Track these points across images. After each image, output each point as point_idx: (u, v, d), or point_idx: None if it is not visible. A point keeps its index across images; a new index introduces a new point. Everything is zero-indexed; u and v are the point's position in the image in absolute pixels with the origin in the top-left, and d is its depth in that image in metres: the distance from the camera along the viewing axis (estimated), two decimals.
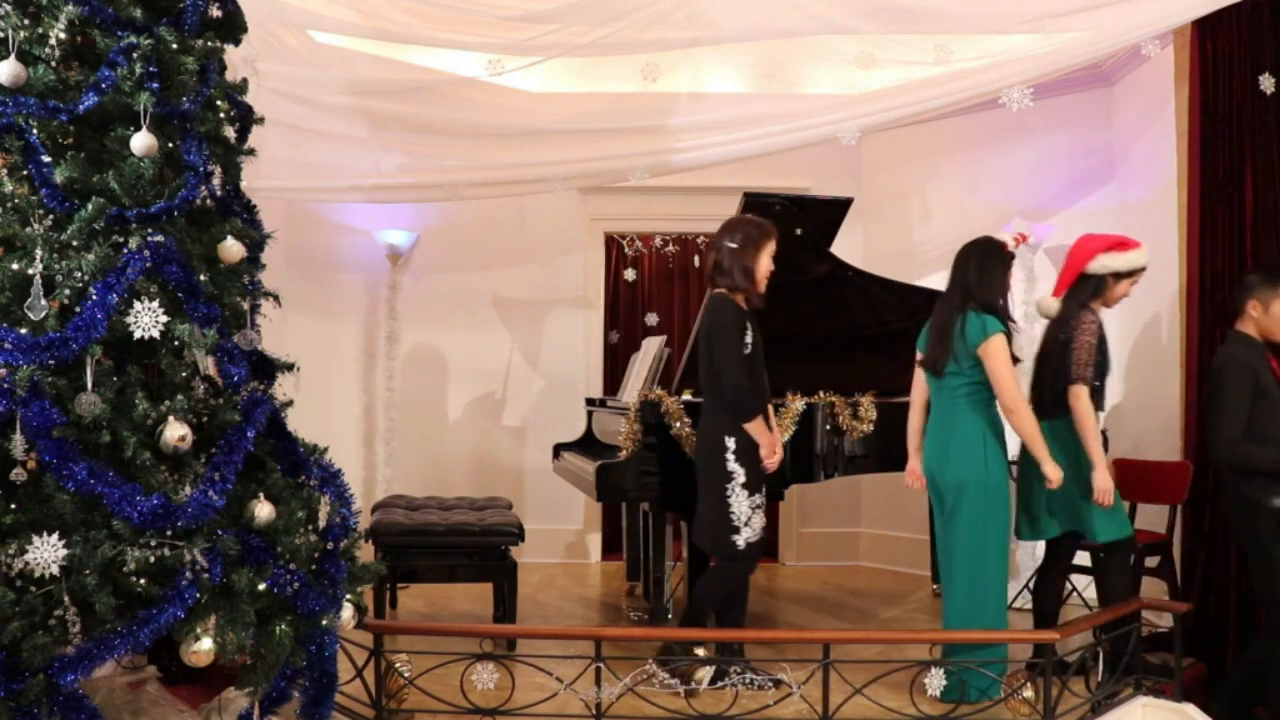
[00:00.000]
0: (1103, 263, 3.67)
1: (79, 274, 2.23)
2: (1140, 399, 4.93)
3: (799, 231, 4.51)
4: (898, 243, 6.19)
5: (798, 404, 4.07)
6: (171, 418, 2.24)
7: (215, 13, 2.64)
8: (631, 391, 4.74)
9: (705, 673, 3.57)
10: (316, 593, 2.37)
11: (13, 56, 2.29)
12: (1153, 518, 4.39)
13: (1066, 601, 4.47)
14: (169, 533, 2.15)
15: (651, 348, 4.87)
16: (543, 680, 3.22)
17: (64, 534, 2.08)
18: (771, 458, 3.57)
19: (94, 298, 2.20)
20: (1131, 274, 3.72)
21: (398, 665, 3.18)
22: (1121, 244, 3.70)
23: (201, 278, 2.39)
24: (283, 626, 2.30)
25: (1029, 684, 3.27)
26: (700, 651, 3.90)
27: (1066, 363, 3.57)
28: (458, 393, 6.35)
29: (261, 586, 2.27)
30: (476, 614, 4.81)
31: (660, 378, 4.64)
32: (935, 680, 3.19)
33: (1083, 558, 4.29)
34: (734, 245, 3.53)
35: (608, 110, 5.09)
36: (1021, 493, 3.79)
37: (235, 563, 2.24)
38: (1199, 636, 3.91)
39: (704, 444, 3.60)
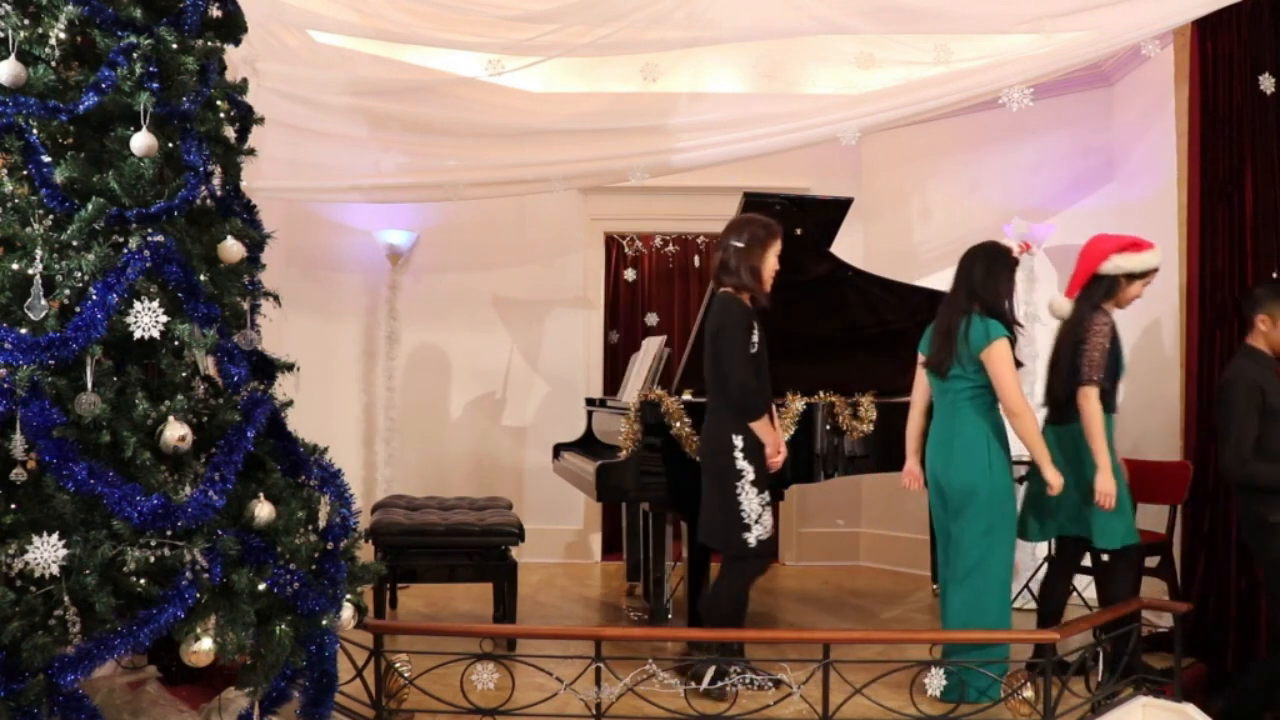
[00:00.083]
0: (1115, 263, 3.65)
1: (79, 274, 2.23)
2: (1140, 399, 4.93)
3: (799, 231, 4.51)
4: (898, 243, 6.19)
5: (798, 404, 4.07)
6: (171, 418, 2.24)
7: (215, 13, 2.64)
8: (631, 391, 4.74)
9: (705, 672, 3.57)
10: (316, 593, 2.37)
11: (13, 56, 2.29)
12: (1153, 518, 4.39)
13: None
14: (169, 533, 2.15)
15: (651, 348, 4.87)
16: (543, 680, 3.22)
17: (64, 534, 2.08)
18: (776, 456, 3.58)
19: (94, 298, 2.20)
20: (1144, 275, 3.69)
21: (398, 665, 3.18)
22: (1134, 244, 3.68)
23: (201, 278, 2.39)
24: (283, 626, 2.30)
25: (1029, 684, 3.27)
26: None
27: (1078, 364, 3.56)
28: (458, 393, 6.35)
29: (261, 586, 2.27)
30: (476, 614, 4.81)
31: (660, 378, 4.64)
32: (935, 680, 3.19)
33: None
34: (741, 244, 3.54)
35: (608, 110, 5.09)
36: (1029, 493, 3.79)
37: (235, 563, 2.24)
38: (1199, 636, 3.91)
39: (710, 443, 3.60)
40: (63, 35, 2.35)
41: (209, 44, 2.59)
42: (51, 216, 2.28)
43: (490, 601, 4.60)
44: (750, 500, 3.49)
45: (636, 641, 4.09)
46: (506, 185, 5.08)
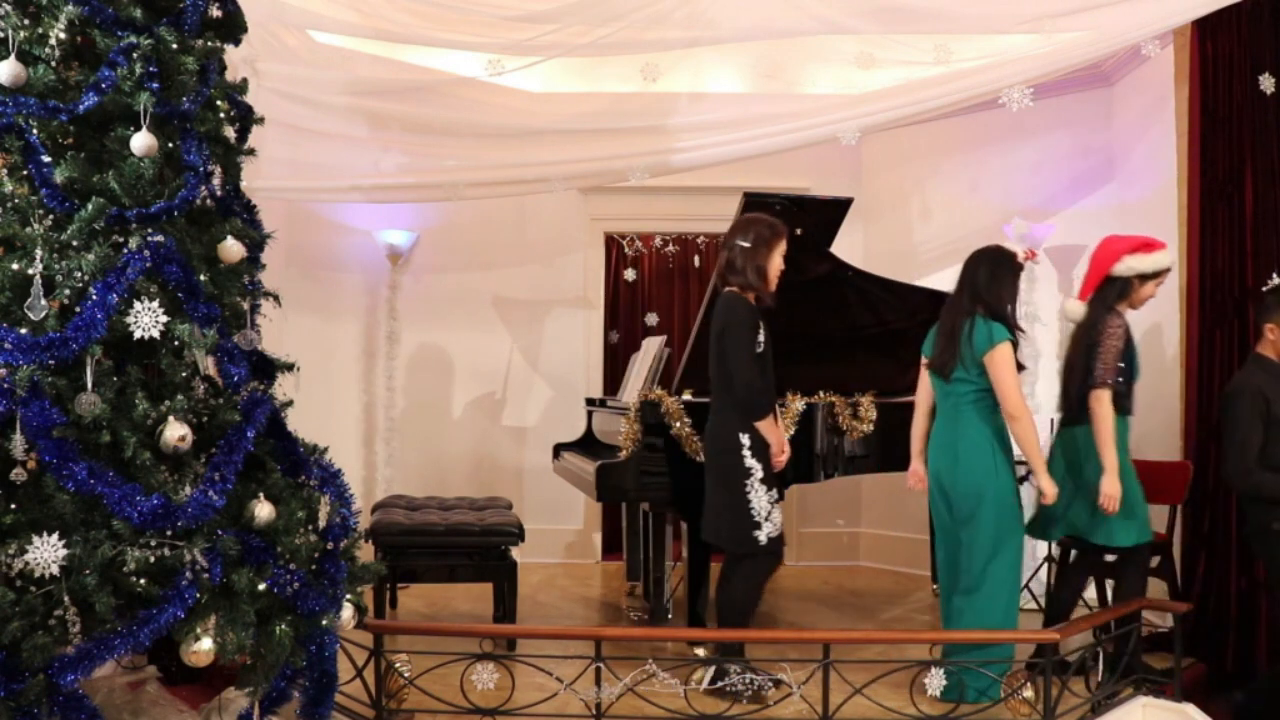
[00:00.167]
0: (1128, 264, 3.64)
1: (79, 274, 2.23)
2: (1140, 399, 4.89)
3: (799, 231, 4.50)
4: (898, 243, 6.19)
5: (798, 404, 4.08)
6: (171, 418, 2.24)
7: (215, 13, 2.64)
8: (631, 391, 4.74)
9: (705, 673, 3.57)
10: (316, 593, 2.37)
11: (13, 56, 2.29)
12: (1153, 518, 4.38)
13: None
14: (169, 533, 2.15)
15: (651, 348, 4.87)
16: (543, 680, 3.22)
17: (64, 534, 2.08)
18: (781, 456, 3.59)
19: (94, 298, 2.20)
20: (1157, 275, 3.67)
21: (398, 665, 3.18)
22: (1146, 245, 3.66)
23: (201, 278, 2.39)
24: (283, 626, 2.30)
25: (1029, 684, 3.27)
26: (700, 652, 3.92)
27: (1092, 366, 3.55)
28: (458, 393, 6.35)
29: (261, 586, 2.27)
30: (476, 614, 4.81)
31: (660, 378, 4.64)
32: (935, 680, 3.19)
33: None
34: (747, 244, 3.55)
35: (608, 110, 5.09)
36: (1065, 493, 3.79)
37: (235, 563, 2.24)
38: (1199, 636, 3.91)
39: (716, 442, 3.60)
40: (63, 35, 2.35)
41: (209, 44, 2.59)
42: (51, 216, 2.28)
43: (490, 601, 4.60)
44: (760, 498, 3.49)
45: (636, 641, 4.09)
46: (506, 185, 5.08)
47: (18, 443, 2.10)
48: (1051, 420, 4.86)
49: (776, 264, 3.60)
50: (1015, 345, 3.49)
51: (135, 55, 2.33)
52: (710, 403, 3.68)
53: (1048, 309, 5.57)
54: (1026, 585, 4.86)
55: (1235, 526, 3.88)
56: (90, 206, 2.25)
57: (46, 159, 2.30)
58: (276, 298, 2.74)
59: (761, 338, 3.50)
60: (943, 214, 6.06)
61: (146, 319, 2.24)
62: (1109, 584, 4.17)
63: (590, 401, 5.66)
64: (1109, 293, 3.66)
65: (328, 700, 2.52)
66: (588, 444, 5.29)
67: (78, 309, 2.20)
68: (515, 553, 4.30)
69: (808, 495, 6.32)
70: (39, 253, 2.23)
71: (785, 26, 4.20)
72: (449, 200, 5.18)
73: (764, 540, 3.49)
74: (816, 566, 6.25)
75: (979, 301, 3.54)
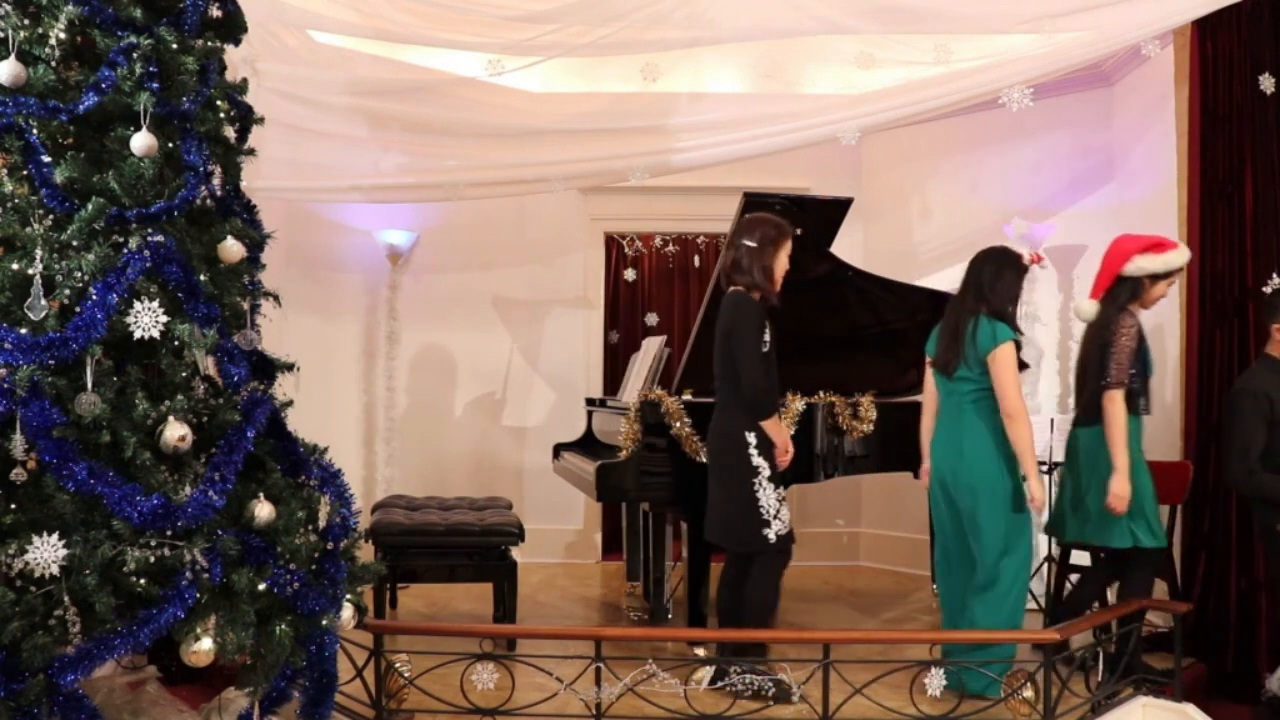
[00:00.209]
0: (1139, 264, 3.62)
1: (79, 274, 2.23)
2: None
3: (799, 231, 4.49)
4: (898, 243, 6.19)
5: (798, 404, 4.08)
6: (171, 418, 2.24)
7: (215, 13, 2.64)
8: (631, 391, 4.74)
9: (705, 673, 3.57)
10: (316, 593, 2.37)
11: (13, 56, 2.29)
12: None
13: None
14: (169, 533, 2.15)
15: (651, 348, 4.87)
16: (543, 680, 3.22)
17: (64, 534, 2.08)
18: (785, 456, 3.59)
19: (94, 298, 2.20)
20: (1168, 275, 3.66)
21: (398, 665, 3.18)
22: (1158, 245, 3.65)
23: (201, 278, 2.39)
24: (283, 626, 2.30)
25: (1029, 684, 3.27)
26: (700, 652, 3.92)
27: (1105, 365, 3.54)
28: (458, 393, 6.35)
29: (261, 586, 2.27)
30: (476, 614, 4.81)
31: (660, 378, 4.64)
32: (935, 680, 3.19)
33: (1081, 557, 4.29)
34: (753, 244, 3.55)
35: (608, 110, 5.09)
36: (1062, 494, 3.79)
37: (235, 563, 2.24)
38: (1199, 636, 3.91)
39: (721, 441, 3.60)
40: (63, 35, 2.35)
41: (209, 44, 2.59)
42: (51, 216, 2.28)
43: (490, 601, 4.60)
44: (768, 496, 3.50)
45: (636, 641, 4.09)
46: (506, 185, 5.08)
47: (18, 443, 2.10)
48: (1052, 420, 4.88)
49: (782, 264, 3.62)
50: (1019, 346, 3.50)
51: (135, 55, 2.33)
52: (715, 401, 3.68)
53: (1048, 309, 5.58)
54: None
55: (1235, 527, 3.88)
56: (90, 206, 2.25)
57: (46, 159, 2.30)
58: (276, 298, 2.74)
59: (767, 337, 3.51)
60: (943, 214, 6.06)
61: (146, 319, 2.24)
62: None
63: (590, 401, 5.66)
64: (1120, 293, 3.65)
65: (328, 700, 2.52)
66: (588, 444, 5.29)
67: (78, 309, 2.20)
68: (515, 553, 4.30)
69: (808, 495, 6.32)
70: (39, 253, 2.23)
71: (785, 26, 4.20)
72: (449, 200, 5.18)
73: (772, 538, 3.50)
74: (816, 566, 6.25)
75: (983, 301, 3.55)
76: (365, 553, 2.91)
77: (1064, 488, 3.81)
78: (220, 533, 2.23)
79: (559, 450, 5.40)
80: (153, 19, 2.42)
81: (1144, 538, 3.56)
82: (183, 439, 2.23)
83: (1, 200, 2.30)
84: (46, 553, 2.04)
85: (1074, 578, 4.28)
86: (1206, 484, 4.06)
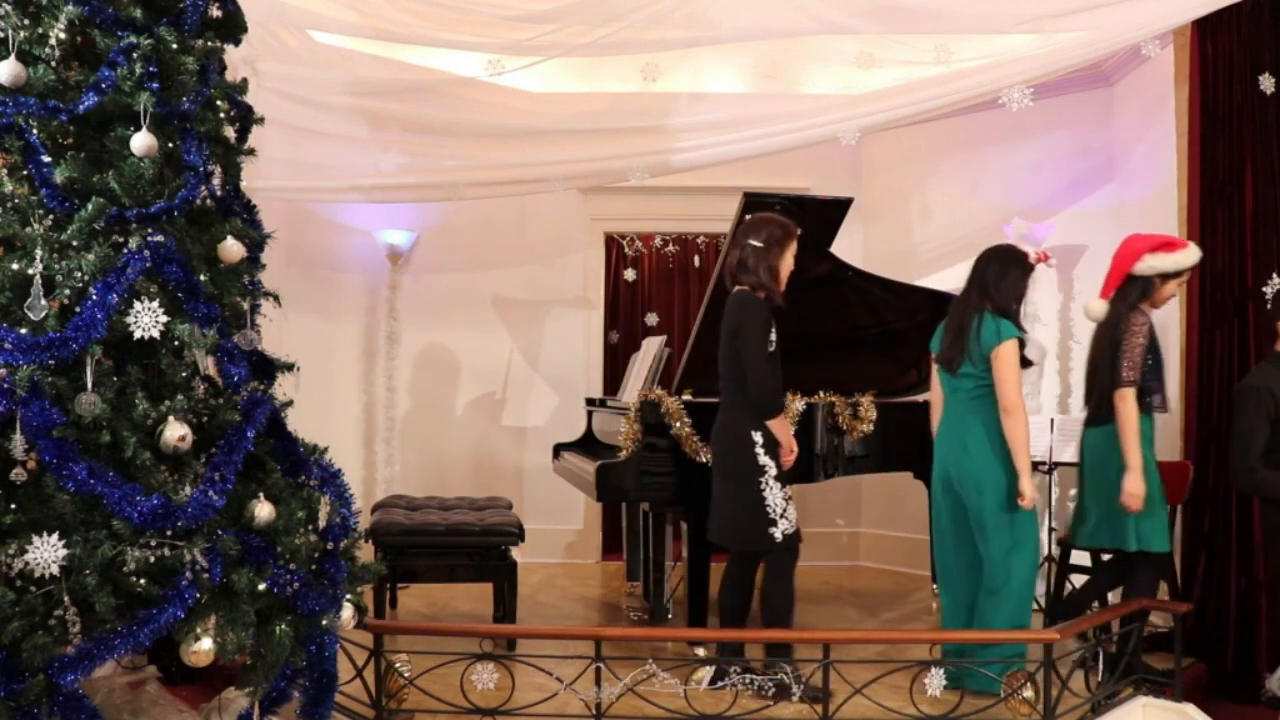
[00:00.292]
0: (1149, 264, 3.61)
1: (79, 274, 2.23)
2: None
3: (799, 231, 4.51)
4: (898, 243, 6.19)
5: (798, 404, 4.08)
6: (171, 418, 2.24)
7: (215, 13, 2.64)
8: (631, 391, 4.74)
9: (705, 673, 3.57)
10: (316, 593, 2.37)
11: (13, 56, 2.29)
12: None
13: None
14: (169, 533, 2.15)
15: (651, 348, 4.87)
16: (543, 680, 3.22)
17: (64, 534, 2.08)
18: (790, 455, 3.60)
19: (94, 298, 2.20)
20: (1179, 274, 3.65)
21: (398, 665, 3.18)
22: (1168, 244, 3.64)
23: (201, 278, 2.39)
24: (283, 626, 2.30)
25: (1029, 684, 3.27)
26: (700, 652, 3.92)
27: (1117, 365, 3.54)
28: (458, 393, 6.35)
29: (261, 586, 2.27)
30: (476, 614, 4.81)
31: (660, 378, 4.64)
32: (935, 680, 3.19)
33: (1082, 557, 4.29)
34: (760, 244, 3.56)
35: (608, 110, 5.09)
36: (1080, 498, 3.79)
37: (235, 563, 2.24)
38: (1199, 636, 3.91)
39: (726, 441, 3.61)
40: (63, 35, 2.35)
41: (209, 44, 2.59)
42: (51, 216, 2.28)
43: (490, 601, 4.60)
44: (775, 495, 3.51)
45: (636, 641, 4.09)
46: (506, 185, 5.08)
47: (18, 443, 2.10)
48: (1052, 420, 4.88)
49: (788, 264, 3.63)
50: (1023, 344, 3.51)
51: (135, 55, 2.33)
52: (720, 401, 3.68)
53: (1048, 309, 5.58)
54: None
55: (1235, 527, 3.88)
56: (90, 206, 2.25)
57: (46, 159, 2.30)
58: (276, 298, 2.74)
59: (773, 337, 3.51)
60: (943, 214, 6.06)
61: (146, 319, 2.24)
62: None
63: (590, 401, 5.66)
64: (1131, 292, 3.64)
65: (328, 700, 2.52)
66: (588, 444, 5.29)
67: (78, 309, 2.20)
68: (515, 553, 4.30)
69: (808, 495, 6.31)
70: (39, 253, 2.23)
71: (785, 26, 4.20)
72: (449, 200, 5.18)
73: (779, 537, 3.50)
74: (816, 566, 6.24)
75: (987, 299, 3.55)
76: (365, 553, 2.91)
77: (1080, 491, 3.81)
78: (220, 533, 2.23)
79: (559, 450, 5.40)
80: (153, 19, 2.42)
81: (1153, 541, 3.55)
82: (183, 439, 2.23)
83: (1, 200, 2.30)
84: (46, 553, 2.04)
85: (1074, 578, 4.28)
86: (1206, 484, 4.06)
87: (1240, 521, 3.86)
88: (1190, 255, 3.66)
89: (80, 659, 2.05)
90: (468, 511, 4.58)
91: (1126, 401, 3.51)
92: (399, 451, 6.24)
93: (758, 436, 3.52)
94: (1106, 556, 3.93)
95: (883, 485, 5.99)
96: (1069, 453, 4.75)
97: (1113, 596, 3.97)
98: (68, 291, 2.24)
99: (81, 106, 2.30)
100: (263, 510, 2.33)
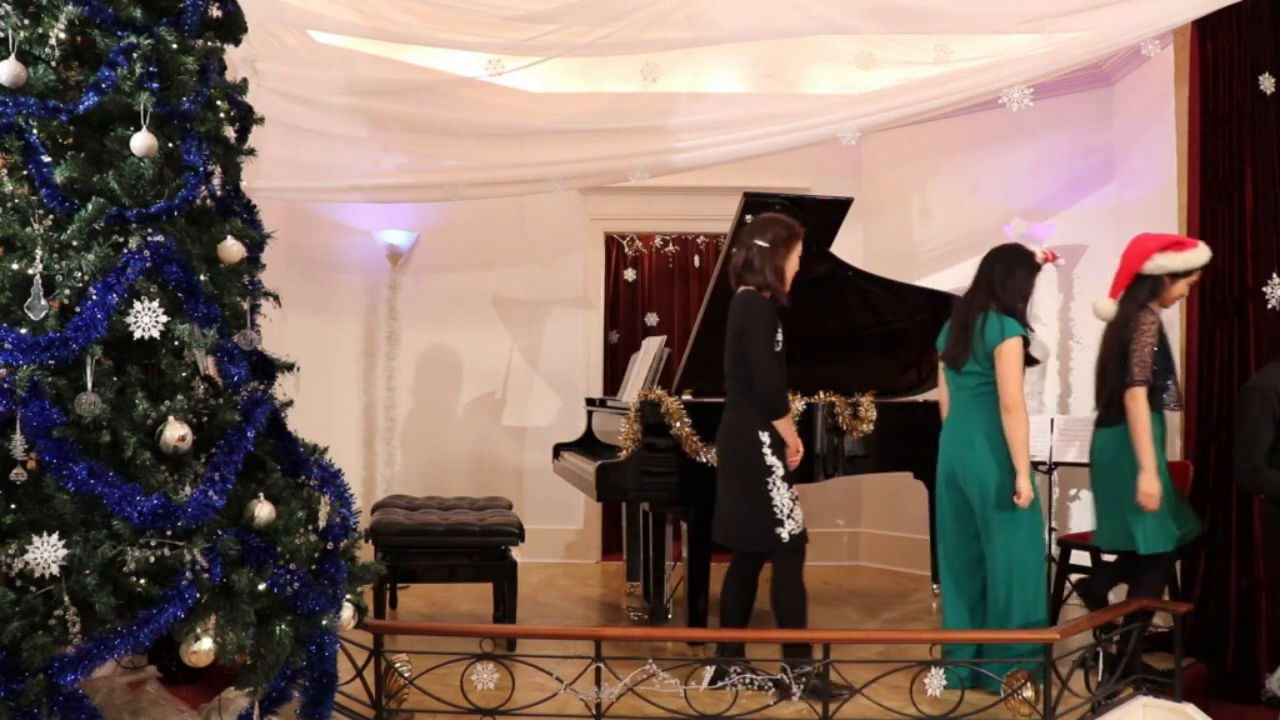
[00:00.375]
0: (1158, 263, 3.60)
1: (79, 274, 2.23)
2: None
3: (804, 232, 4.51)
4: (898, 243, 6.19)
5: (798, 404, 4.08)
6: (171, 418, 2.24)
7: (215, 13, 2.64)
8: (631, 391, 4.74)
9: (705, 673, 3.57)
10: (316, 593, 2.37)
11: (13, 56, 2.29)
12: None
13: (1066, 601, 4.47)
14: (169, 533, 2.15)
15: (651, 348, 4.87)
16: (543, 680, 3.22)
17: (64, 534, 2.08)
18: (795, 456, 3.60)
19: (94, 298, 2.20)
20: (1188, 273, 3.64)
21: (398, 665, 3.18)
22: (1177, 244, 3.64)
23: (201, 278, 2.39)
24: (283, 626, 2.30)
25: (1029, 684, 3.27)
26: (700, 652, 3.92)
27: (1127, 364, 3.53)
28: (458, 393, 6.35)
29: (261, 586, 2.27)
30: (476, 614, 4.81)
31: (660, 378, 4.64)
32: (935, 680, 3.19)
33: (1081, 557, 4.29)
34: (765, 244, 3.56)
35: (608, 110, 5.09)
36: (1097, 498, 3.78)
37: (235, 563, 2.24)
38: (1199, 636, 3.91)
39: (732, 441, 3.61)
40: (63, 35, 2.35)
41: (209, 44, 2.59)
42: (51, 216, 2.28)
43: (490, 601, 4.60)
44: (782, 495, 3.51)
45: (636, 641, 4.09)
46: (506, 185, 5.08)
47: (18, 443, 2.10)
48: (1052, 420, 4.88)
49: (793, 264, 3.64)
50: (1027, 342, 3.51)
51: (135, 55, 2.33)
52: (726, 401, 3.68)
53: (1048, 309, 5.58)
54: None
55: (1235, 527, 3.88)
56: (90, 206, 2.25)
57: (46, 159, 2.30)
58: (276, 298, 2.74)
59: (779, 337, 3.52)
60: (943, 214, 6.06)
61: (146, 319, 2.24)
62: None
63: (590, 401, 5.66)
64: (1140, 291, 3.63)
65: (328, 700, 2.52)
66: (588, 444, 5.29)
67: (78, 309, 2.20)
68: (515, 553, 4.30)
69: (808, 495, 6.28)
70: (39, 253, 2.23)
71: (785, 26, 4.20)
72: (449, 200, 5.18)
73: (786, 538, 3.50)
74: (816, 566, 6.21)
75: (993, 298, 3.56)
76: (365, 553, 2.91)
77: (1094, 494, 3.81)
78: (220, 533, 2.23)
79: (559, 450, 5.40)
80: (153, 19, 2.42)
81: (1160, 542, 3.54)
82: (183, 439, 2.23)
83: (1, 200, 2.30)
84: (46, 553, 2.04)
85: (1074, 578, 4.28)
86: (1206, 484, 4.05)
87: (1240, 521, 3.86)
88: (1200, 254, 3.65)
89: (80, 659, 2.05)
90: (468, 511, 4.58)
91: (1138, 401, 3.50)
92: (399, 451, 6.25)
93: (765, 437, 3.52)
94: (1109, 557, 3.93)
95: (883, 485, 5.99)
96: (1070, 453, 4.75)
97: (1114, 596, 3.97)
98: (68, 291, 2.24)
99: (81, 106, 2.30)
100: (263, 510, 2.33)
